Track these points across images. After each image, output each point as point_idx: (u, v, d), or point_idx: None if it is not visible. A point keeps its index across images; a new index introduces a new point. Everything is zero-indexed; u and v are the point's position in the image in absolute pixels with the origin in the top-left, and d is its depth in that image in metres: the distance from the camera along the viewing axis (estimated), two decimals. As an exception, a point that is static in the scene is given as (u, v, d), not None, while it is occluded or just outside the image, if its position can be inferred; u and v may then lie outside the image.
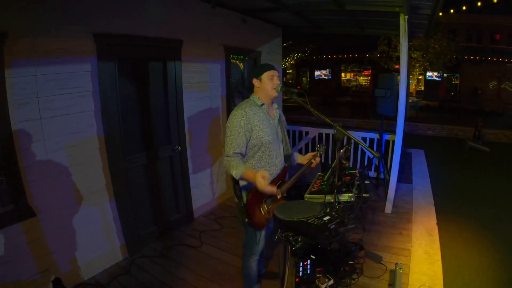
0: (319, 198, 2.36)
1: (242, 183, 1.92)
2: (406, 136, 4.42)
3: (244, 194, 1.93)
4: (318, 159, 2.21)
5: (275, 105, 2.11)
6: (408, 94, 11.45)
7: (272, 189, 1.84)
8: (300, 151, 5.51)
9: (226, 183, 4.17)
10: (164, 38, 3.03)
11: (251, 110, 1.90)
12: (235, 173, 1.84)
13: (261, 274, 2.51)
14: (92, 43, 2.38)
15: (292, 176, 2.12)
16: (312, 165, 2.19)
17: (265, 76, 1.96)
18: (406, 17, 3.18)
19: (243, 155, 1.93)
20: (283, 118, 2.23)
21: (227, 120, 1.96)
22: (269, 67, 1.99)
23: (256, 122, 1.89)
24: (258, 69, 2.02)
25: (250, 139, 1.90)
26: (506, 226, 3.71)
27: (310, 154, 2.22)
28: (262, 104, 1.98)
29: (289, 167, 2.20)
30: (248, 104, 1.94)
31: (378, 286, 2.42)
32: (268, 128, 1.95)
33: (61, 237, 2.34)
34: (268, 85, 1.95)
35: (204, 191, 3.81)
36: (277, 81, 1.97)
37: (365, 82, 23.45)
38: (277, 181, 2.05)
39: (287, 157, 2.15)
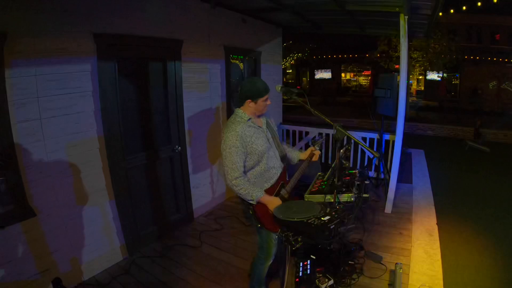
0: (319, 198, 2.35)
1: None
2: (406, 136, 4.42)
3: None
4: (318, 152, 2.25)
5: (256, 119, 2.08)
6: (408, 94, 11.46)
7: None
8: (299, 151, 5.49)
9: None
10: (164, 38, 3.03)
11: (241, 127, 1.91)
12: (252, 199, 1.91)
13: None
14: (92, 43, 2.38)
15: (293, 174, 2.15)
16: (314, 159, 2.23)
17: (261, 100, 1.94)
18: (406, 17, 3.18)
19: (245, 172, 1.97)
20: (272, 121, 2.24)
21: (227, 121, 1.98)
22: (265, 92, 1.94)
23: (249, 138, 1.93)
24: (255, 92, 1.93)
25: (247, 154, 1.94)
26: (506, 226, 3.71)
27: (310, 149, 2.26)
28: (249, 119, 1.98)
29: (287, 166, 2.21)
30: (236, 122, 1.94)
31: (378, 286, 2.42)
32: (260, 138, 1.98)
33: (61, 237, 2.34)
34: (260, 107, 1.97)
35: (204, 191, 3.81)
36: (268, 102, 1.99)
37: (365, 82, 23.46)
38: (278, 182, 2.07)
39: (283, 158, 2.17)
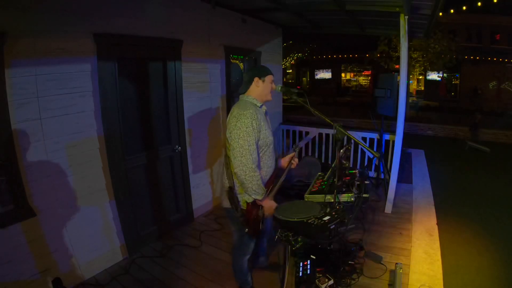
0: (319, 198, 2.36)
1: (241, 194, 1.90)
2: (406, 136, 4.42)
3: (243, 205, 1.91)
4: (296, 159, 2.20)
5: (264, 107, 2.07)
6: (408, 94, 11.46)
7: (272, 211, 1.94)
8: (300, 151, 5.51)
9: (226, 183, 4.17)
10: (164, 38, 3.03)
11: (256, 111, 1.85)
12: (260, 195, 1.81)
13: (265, 267, 2.59)
14: (92, 43, 2.38)
15: (277, 178, 2.11)
16: (292, 166, 2.19)
17: (268, 79, 1.96)
18: (406, 17, 3.18)
19: None
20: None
21: (227, 119, 1.94)
22: (270, 71, 2.01)
23: (262, 122, 1.87)
24: (263, 70, 1.98)
25: (258, 140, 1.85)
26: (506, 226, 3.72)
27: (288, 156, 2.22)
28: (261, 105, 1.98)
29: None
30: (250, 105, 1.86)
31: (378, 286, 2.42)
32: (269, 128, 1.97)
33: (61, 237, 2.34)
34: (267, 88, 1.96)
35: (204, 191, 3.81)
36: (273, 86, 2.00)
37: (365, 82, 23.47)
38: (270, 183, 2.03)
39: (277, 160, 2.16)
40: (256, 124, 1.78)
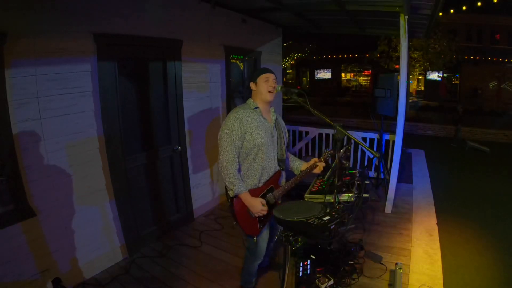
0: (319, 198, 2.36)
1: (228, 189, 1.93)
2: (406, 136, 4.42)
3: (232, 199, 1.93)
4: (322, 164, 2.14)
5: (272, 109, 2.10)
6: (408, 94, 11.45)
7: (263, 212, 1.91)
8: (300, 151, 5.51)
9: (226, 183, 4.17)
10: (164, 38, 3.03)
11: (244, 112, 1.93)
12: (231, 191, 1.87)
13: (266, 266, 2.58)
14: (92, 43, 2.38)
15: (289, 180, 2.09)
16: (316, 171, 2.14)
17: (260, 79, 1.97)
18: (406, 17, 3.18)
19: (238, 159, 1.93)
20: (283, 124, 2.21)
21: None
22: (264, 70, 2.00)
23: (249, 124, 1.91)
24: (254, 73, 2.05)
25: (243, 142, 1.91)
26: (505, 226, 3.71)
27: (313, 160, 2.16)
28: (256, 107, 1.98)
29: (283, 171, 2.16)
30: (242, 107, 1.97)
31: (378, 286, 2.42)
32: (262, 130, 1.95)
33: (61, 237, 2.34)
34: (262, 87, 1.95)
35: (204, 191, 3.81)
36: (272, 84, 1.96)
37: (365, 82, 23.47)
38: (268, 185, 2.02)
39: (281, 161, 2.12)
40: (238, 125, 1.88)
